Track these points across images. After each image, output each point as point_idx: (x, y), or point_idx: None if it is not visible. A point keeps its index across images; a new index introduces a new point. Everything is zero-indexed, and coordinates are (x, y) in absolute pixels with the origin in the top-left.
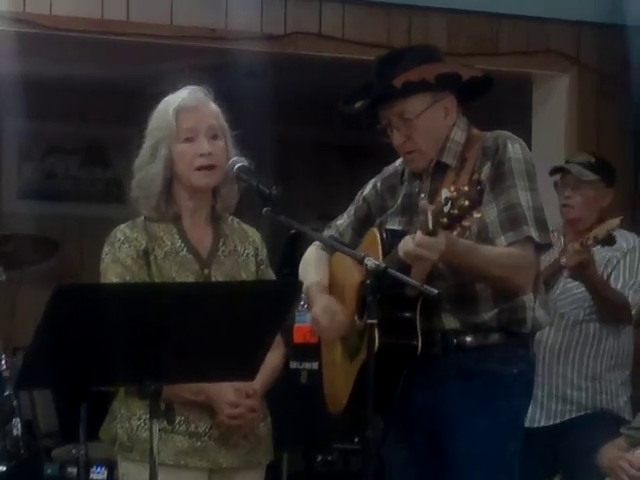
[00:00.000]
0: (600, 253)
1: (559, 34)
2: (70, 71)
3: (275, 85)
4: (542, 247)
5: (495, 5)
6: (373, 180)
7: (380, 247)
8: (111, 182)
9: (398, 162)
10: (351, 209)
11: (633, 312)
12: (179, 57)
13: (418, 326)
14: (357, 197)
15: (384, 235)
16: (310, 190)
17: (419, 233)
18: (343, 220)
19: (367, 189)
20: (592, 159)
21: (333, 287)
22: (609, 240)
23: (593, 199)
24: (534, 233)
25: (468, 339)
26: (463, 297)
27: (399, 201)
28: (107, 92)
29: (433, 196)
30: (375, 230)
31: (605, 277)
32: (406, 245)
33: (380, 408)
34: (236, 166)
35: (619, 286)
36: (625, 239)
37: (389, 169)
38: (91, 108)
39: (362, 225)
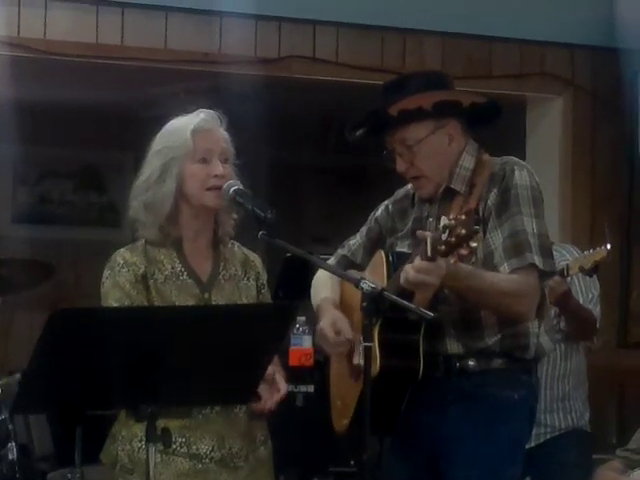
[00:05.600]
0: None
1: (553, 57)
2: (64, 95)
3: (269, 108)
4: (546, 274)
5: (489, 28)
6: (386, 202)
7: (385, 269)
8: (106, 206)
9: (410, 185)
10: (363, 229)
11: (597, 326)
12: (173, 81)
13: (421, 350)
14: (370, 218)
15: (390, 257)
16: (304, 213)
17: (417, 259)
18: (355, 240)
19: (379, 210)
20: None
21: (343, 308)
22: (594, 271)
23: None
24: (538, 260)
25: (471, 363)
26: (468, 322)
27: (409, 224)
28: (102, 116)
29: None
30: (381, 252)
31: None
32: (407, 273)
33: (383, 430)
34: (232, 189)
35: (580, 303)
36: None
37: (401, 192)
38: (85, 132)
39: (374, 245)
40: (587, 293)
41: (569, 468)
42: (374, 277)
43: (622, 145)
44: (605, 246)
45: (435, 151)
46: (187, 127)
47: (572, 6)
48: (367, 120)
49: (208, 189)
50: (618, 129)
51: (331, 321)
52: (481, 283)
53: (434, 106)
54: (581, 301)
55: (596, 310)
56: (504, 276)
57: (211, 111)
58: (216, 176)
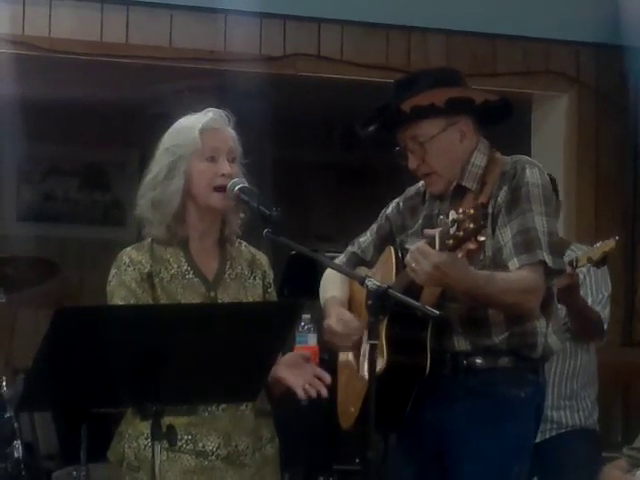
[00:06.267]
0: None
1: (558, 54)
2: (69, 93)
3: (274, 106)
4: (554, 272)
5: (494, 26)
6: (396, 199)
7: (394, 266)
8: (110, 204)
9: (421, 183)
10: (374, 227)
11: (605, 326)
12: (178, 79)
13: (428, 346)
14: (380, 215)
15: (399, 254)
16: (309, 210)
17: (423, 242)
18: (366, 238)
19: (390, 208)
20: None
21: (352, 305)
22: (603, 262)
23: None
24: (547, 258)
25: (478, 361)
26: (475, 319)
27: (419, 222)
28: (106, 114)
29: None
30: (391, 248)
31: None
32: (412, 247)
33: (390, 426)
34: (237, 187)
35: (589, 303)
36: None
37: (412, 189)
38: (90, 130)
39: (384, 243)
40: (597, 294)
41: (573, 466)
42: (383, 273)
43: (627, 142)
44: (614, 238)
45: (446, 148)
46: (195, 126)
47: (577, 4)
48: (379, 116)
49: (215, 188)
50: (623, 126)
51: (337, 317)
52: (496, 286)
53: (447, 103)
54: (590, 301)
55: (605, 312)
56: (513, 275)
57: (219, 110)
58: (223, 175)
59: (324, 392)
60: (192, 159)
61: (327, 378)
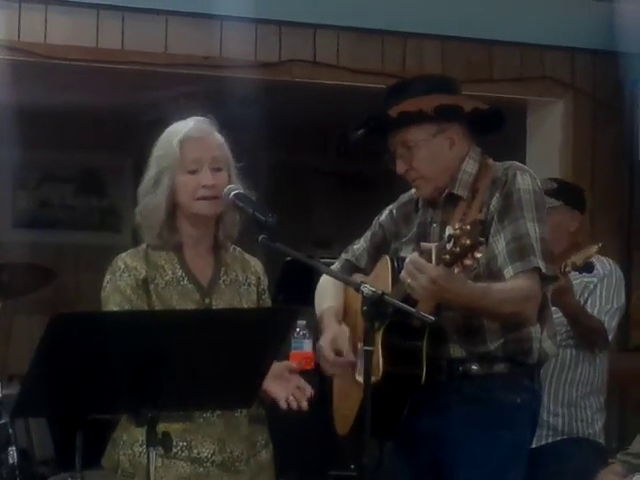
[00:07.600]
0: (577, 278)
1: (554, 60)
2: (65, 99)
3: (270, 112)
4: (548, 279)
5: (490, 32)
6: (390, 207)
7: (390, 274)
8: (106, 210)
9: (413, 190)
10: (368, 234)
11: (610, 337)
12: (173, 85)
13: (424, 355)
14: (374, 222)
15: (395, 263)
16: (305, 217)
17: (416, 254)
18: (359, 245)
19: (383, 215)
20: (554, 185)
21: (347, 312)
22: (587, 267)
23: (559, 225)
24: (541, 264)
25: (474, 368)
26: (470, 326)
27: (414, 230)
28: (102, 120)
29: (444, 227)
30: (386, 257)
31: (582, 302)
32: (408, 258)
33: (385, 434)
34: (232, 193)
35: (595, 312)
36: (601, 264)
37: (405, 196)
38: (86, 136)
39: (377, 250)
40: (606, 304)
41: (567, 474)
42: (379, 282)
43: (622, 149)
44: (597, 244)
45: (435, 154)
46: (174, 137)
47: (572, 10)
48: (369, 121)
49: (197, 199)
50: (618, 133)
51: (331, 338)
52: (493, 298)
53: (435, 110)
54: (597, 310)
55: (611, 323)
56: (509, 285)
57: (202, 118)
58: (205, 187)
59: (304, 405)
60: (175, 171)
61: (308, 390)
